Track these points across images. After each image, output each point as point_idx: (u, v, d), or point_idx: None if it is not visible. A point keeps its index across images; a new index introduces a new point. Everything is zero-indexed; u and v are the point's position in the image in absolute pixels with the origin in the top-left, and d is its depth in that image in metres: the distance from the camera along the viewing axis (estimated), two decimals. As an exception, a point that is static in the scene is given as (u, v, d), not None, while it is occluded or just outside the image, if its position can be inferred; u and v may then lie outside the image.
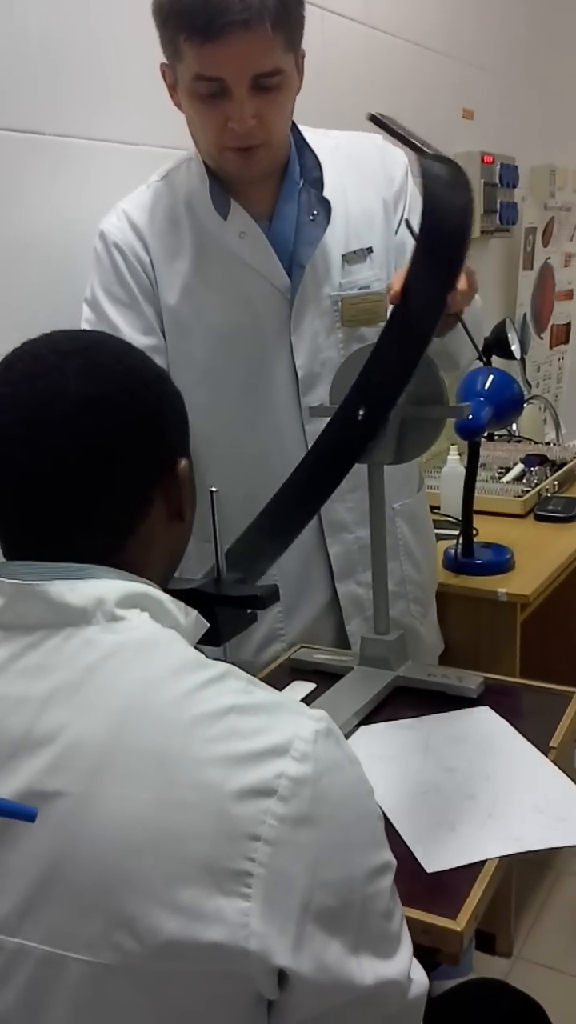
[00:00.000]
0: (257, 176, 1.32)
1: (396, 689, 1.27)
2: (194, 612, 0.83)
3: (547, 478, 2.37)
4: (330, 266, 1.38)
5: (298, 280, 1.37)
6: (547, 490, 2.34)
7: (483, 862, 0.93)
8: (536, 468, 2.43)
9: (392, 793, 1.04)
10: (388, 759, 1.11)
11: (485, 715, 1.20)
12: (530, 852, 0.95)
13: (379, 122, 1.05)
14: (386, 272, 1.41)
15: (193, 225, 1.37)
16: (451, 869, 0.93)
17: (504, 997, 1.10)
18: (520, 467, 2.42)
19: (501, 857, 0.94)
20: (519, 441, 2.72)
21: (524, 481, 2.35)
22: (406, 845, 0.96)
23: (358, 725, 1.18)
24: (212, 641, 0.98)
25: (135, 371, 0.79)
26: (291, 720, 0.69)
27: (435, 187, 0.98)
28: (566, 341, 3.76)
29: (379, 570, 1.28)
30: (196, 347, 1.39)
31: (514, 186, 2.91)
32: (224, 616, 0.97)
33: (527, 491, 2.24)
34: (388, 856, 0.73)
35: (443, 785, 1.05)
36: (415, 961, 0.75)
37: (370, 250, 1.40)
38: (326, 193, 1.36)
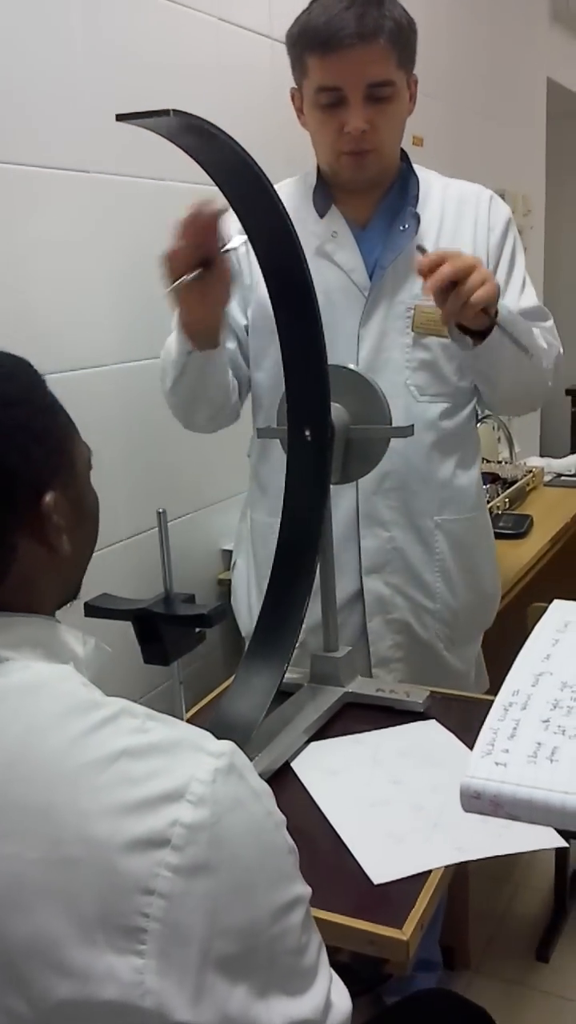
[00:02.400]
0: (367, 181, 1.46)
1: (346, 705, 1.29)
2: (92, 640, 0.80)
3: (499, 495, 2.42)
4: (411, 273, 1.43)
5: (378, 281, 1.47)
6: (499, 507, 2.38)
7: (428, 872, 0.95)
8: (488, 486, 2.48)
9: (341, 807, 1.06)
10: (337, 773, 1.13)
11: (432, 728, 1.22)
12: (473, 861, 0.97)
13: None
14: None
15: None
16: (397, 880, 0.94)
17: (450, 1005, 1.11)
18: (472, 485, 2.45)
19: (446, 867, 0.96)
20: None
21: (476, 499, 2.39)
22: (354, 857, 0.98)
23: (308, 741, 1.20)
24: (160, 661, 1.00)
25: None
26: (188, 760, 0.66)
27: None
28: (519, 361, 3.83)
29: (328, 584, 1.30)
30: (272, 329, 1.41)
31: (464, 211, 2.97)
32: (171, 635, 0.98)
33: (479, 509, 2.28)
34: (298, 890, 0.70)
35: (391, 797, 1.07)
36: (338, 984, 0.74)
37: None
38: (424, 216, 1.48)
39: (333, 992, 0.72)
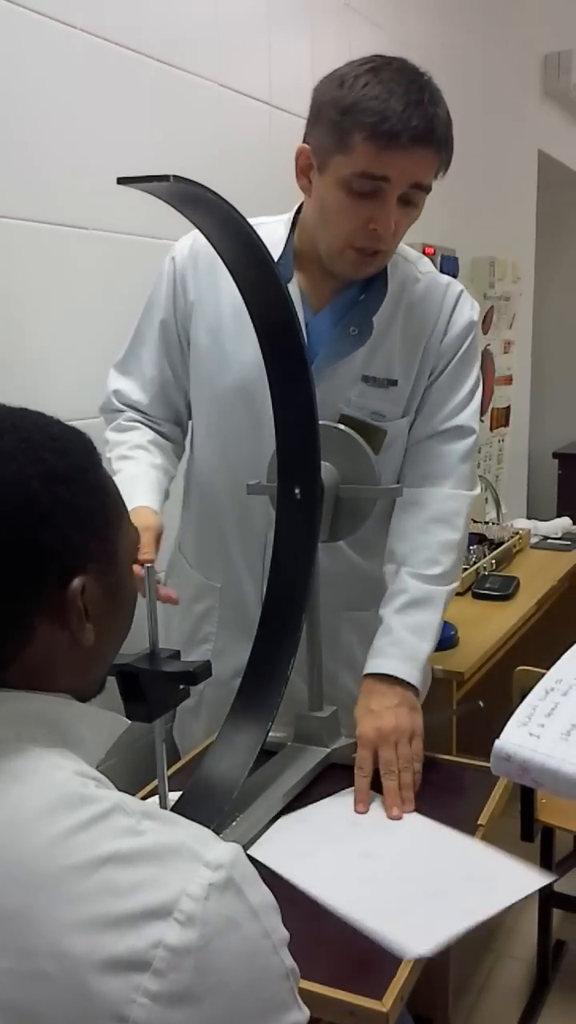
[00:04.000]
0: (362, 278, 1.36)
1: (330, 766, 1.28)
2: (107, 720, 0.76)
3: (485, 556, 2.43)
4: (348, 379, 1.37)
5: (318, 377, 1.30)
6: (485, 568, 2.39)
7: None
8: (475, 547, 2.49)
9: (332, 889, 1.02)
10: (302, 859, 1.08)
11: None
12: (484, 920, 0.95)
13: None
14: (401, 411, 1.40)
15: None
16: (376, 950, 0.92)
17: None
18: (459, 546, 2.47)
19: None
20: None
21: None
22: (357, 933, 0.94)
23: (290, 805, 1.18)
24: (143, 718, 0.99)
25: (10, 481, 0.67)
26: (181, 870, 0.60)
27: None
28: (506, 424, 3.88)
29: (313, 643, 1.29)
30: (209, 387, 1.42)
31: (455, 276, 3.03)
32: (154, 692, 0.97)
33: (466, 569, 2.29)
34: (293, 1018, 0.64)
35: (373, 873, 1.05)
36: None
37: (396, 383, 1.39)
38: (376, 318, 1.36)
39: None
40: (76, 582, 0.69)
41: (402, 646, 1.31)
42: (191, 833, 0.64)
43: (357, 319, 1.36)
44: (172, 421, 1.48)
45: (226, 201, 1.02)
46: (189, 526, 1.57)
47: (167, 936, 0.57)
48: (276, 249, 1.35)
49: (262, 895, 0.64)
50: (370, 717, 1.25)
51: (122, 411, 1.45)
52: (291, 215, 1.41)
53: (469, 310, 1.44)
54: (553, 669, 0.88)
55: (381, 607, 1.36)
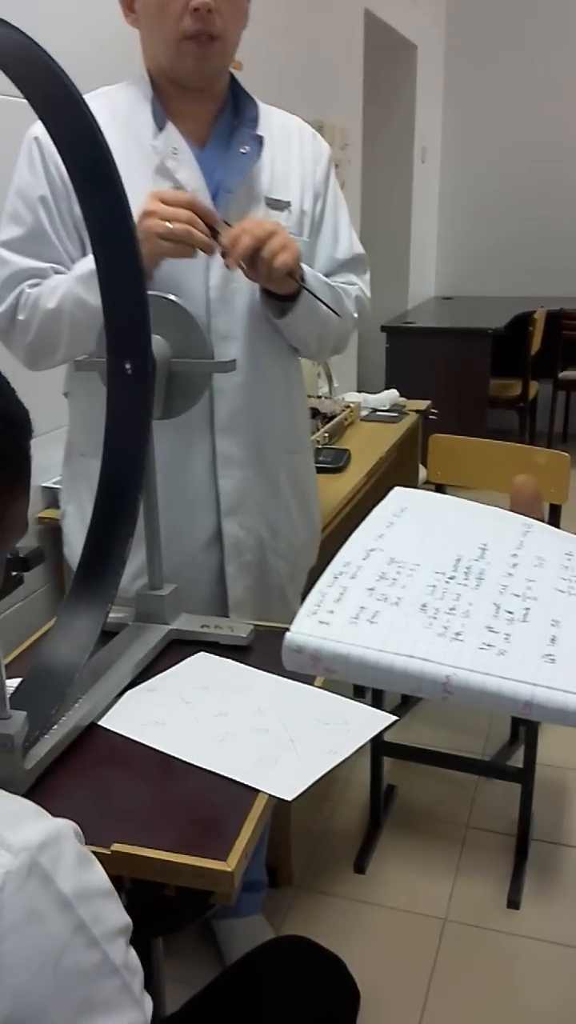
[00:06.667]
0: (207, 77, 1.40)
1: (172, 642, 1.28)
2: None
3: (318, 430, 2.45)
4: (252, 201, 1.42)
5: (223, 206, 1.40)
6: (319, 442, 2.42)
7: (252, 801, 0.96)
8: (310, 421, 2.51)
9: (195, 749, 1.04)
10: (161, 725, 1.10)
11: (207, 659, 1.24)
12: (346, 758, 1.01)
13: None
14: (298, 231, 1.48)
15: (125, 135, 1.37)
16: (221, 811, 0.95)
17: (306, 953, 1.13)
18: (293, 420, 2.48)
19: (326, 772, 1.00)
20: (292, 394, 2.78)
21: (296, 433, 2.41)
22: (243, 784, 0.98)
23: (135, 681, 1.19)
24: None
25: None
26: None
27: None
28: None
29: (152, 522, 1.28)
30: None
31: (283, 140, 2.94)
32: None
33: (299, 443, 2.31)
34: (124, 1018, 0.58)
35: (230, 730, 1.08)
36: None
37: (288, 204, 1.48)
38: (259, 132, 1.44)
39: None
40: None
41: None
42: (11, 804, 0.57)
43: (242, 139, 1.44)
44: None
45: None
46: (78, 417, 1.55)
47: None
48: (143, 105, 1.41)
49: (82, 882, 0.57)
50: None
51: (21, 289, 1.39)
52: (142, 72, 1.44)
53: (324, 143, 1.57)
54: (340, 552, 0.87)
55: None
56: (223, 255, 1.30)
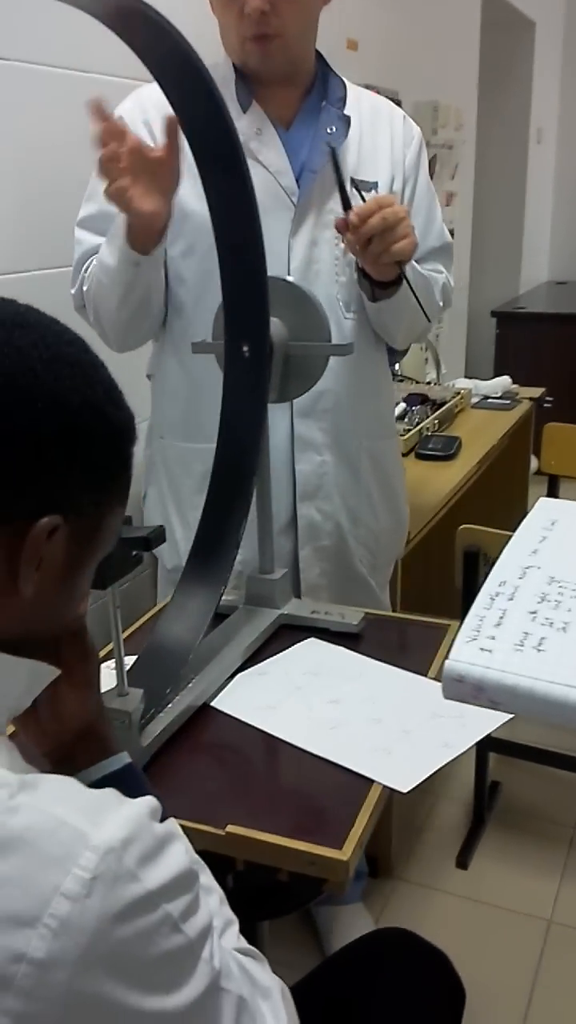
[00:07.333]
0: (279, 74, 1.38)
1: (282, 627, 1.28)
2: (26, 664, 0.65)
3: (428, 417, 2.41)
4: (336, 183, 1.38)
5: (307, 186, 1.40)
6: (428, 429, 2.38)
7: (367, 791, 0.95)
8: (417, 407, 2.47)
9: (308, 735, 1.04)
10: (272, 709, 1.10)
11: (318, 645, 1.22)
12: (462, 753, 1.00)
13: None
14: None
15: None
16: (334, 799, 0.95)
17: (411, 947, 1.10)
18: (402, 406, 2.45)
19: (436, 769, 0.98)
20: (401, 381, 2.75)
21: (406, 420, 2.38)
22: (357, 773, 0.97)
23: (244, 664, 1.19)
24: (98, 584, 0.96)
25: (66, 390, 0.60)
26: (57, 860, 0.49)
27: None
28: (447, 281, 3.81)
29: (265, 506, 1.27)
30: (192, 235, 1.37)
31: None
32: (108, 559, 0.94)
33: (409, 430, 2.28)
34: (194, 984, 0.56)
35: (343, 717, 1.07)
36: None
37: (376, 185, 1.44)
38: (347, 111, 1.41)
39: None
40: (47, 520, 0.59)
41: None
42: (79, 805, 0.54)
43: (329, 119, 1.41)
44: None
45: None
46: (163, 399, 1.54)
47: (32, 948, 0.48)
48: (226, 85, 1.38)
49: (167, 869, 0.54)
50: None
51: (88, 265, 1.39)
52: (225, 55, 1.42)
53: (415, 126, 1.53)
54: (494, 571, 0.81)
55: None
56: (344, 228, 1.25)
